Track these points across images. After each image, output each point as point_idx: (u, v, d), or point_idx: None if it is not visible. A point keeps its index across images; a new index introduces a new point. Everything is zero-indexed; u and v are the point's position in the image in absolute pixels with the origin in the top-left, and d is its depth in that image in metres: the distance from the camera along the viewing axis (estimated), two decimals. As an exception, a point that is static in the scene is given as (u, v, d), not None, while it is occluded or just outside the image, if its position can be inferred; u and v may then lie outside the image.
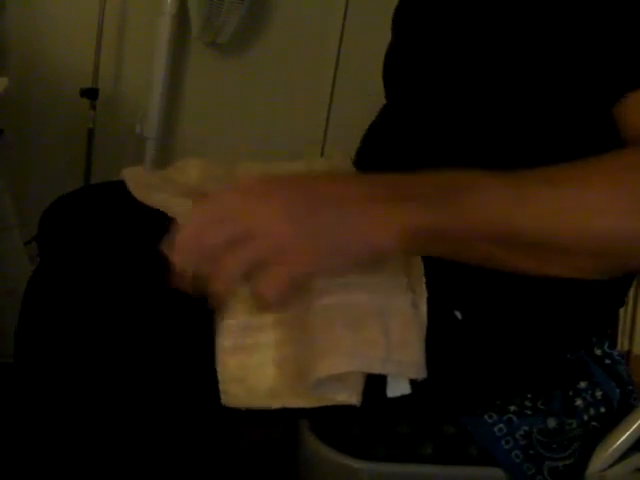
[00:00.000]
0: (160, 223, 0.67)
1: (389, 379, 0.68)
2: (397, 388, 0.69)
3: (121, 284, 0.65)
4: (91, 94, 1.67)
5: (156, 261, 0.63)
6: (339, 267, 0.54)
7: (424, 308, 0.69)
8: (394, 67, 0.93)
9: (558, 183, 0.55)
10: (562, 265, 0.56)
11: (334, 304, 0.66)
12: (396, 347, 0.65)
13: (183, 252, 0.51)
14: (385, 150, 0.87)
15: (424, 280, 0.70)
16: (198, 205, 0.55)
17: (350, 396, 0.64)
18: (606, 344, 0.85)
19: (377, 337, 0.64)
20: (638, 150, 0.57)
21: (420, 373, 0.66)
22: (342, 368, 0.62)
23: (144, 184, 0.87)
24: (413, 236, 0.52)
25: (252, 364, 0.65)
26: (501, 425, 0.77)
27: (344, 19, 1.84)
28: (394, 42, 0.96)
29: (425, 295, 0.69)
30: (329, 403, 0.65)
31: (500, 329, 0.74)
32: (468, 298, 0.73)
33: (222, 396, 0.65)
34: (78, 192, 0.95)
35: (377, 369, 0.64)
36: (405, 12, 0.93)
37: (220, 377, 0.65)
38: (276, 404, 0.66)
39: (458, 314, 0.72)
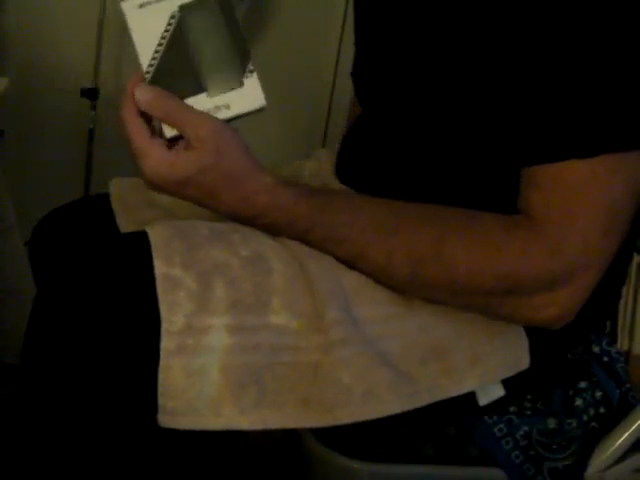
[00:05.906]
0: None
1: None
2: (490, 394, 0.70)
3: (118, 300, 0.64)
4: (91, 94, 1.67)
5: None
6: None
7: None
8: (362, 74, 0.89)
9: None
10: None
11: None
12: None
13: None
14: (364, 163, 0.84)
15: None
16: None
17: None
18: (604, 341, 0.85)
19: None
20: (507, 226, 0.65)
21: None
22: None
23: (127, 206, 0.88)
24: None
25: (195, 367, 0.61)
26: (501, 425, 0.77)
27: (344, 19, 1.84)
28: (357, 49, 0.90)
29: None
30: (268, 427, 0.62)
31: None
32: None
33: (159, 416, 0.61)
34: (71, 205, 0.95)
35: None
36: (364, 15, 0.86)
37: (160, 388, 0.61)
38: (219, 423, 0.61)
39: None
